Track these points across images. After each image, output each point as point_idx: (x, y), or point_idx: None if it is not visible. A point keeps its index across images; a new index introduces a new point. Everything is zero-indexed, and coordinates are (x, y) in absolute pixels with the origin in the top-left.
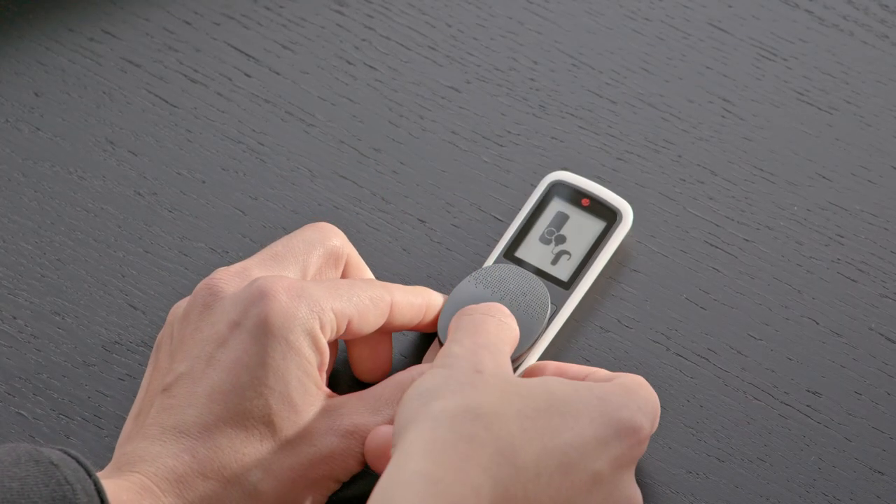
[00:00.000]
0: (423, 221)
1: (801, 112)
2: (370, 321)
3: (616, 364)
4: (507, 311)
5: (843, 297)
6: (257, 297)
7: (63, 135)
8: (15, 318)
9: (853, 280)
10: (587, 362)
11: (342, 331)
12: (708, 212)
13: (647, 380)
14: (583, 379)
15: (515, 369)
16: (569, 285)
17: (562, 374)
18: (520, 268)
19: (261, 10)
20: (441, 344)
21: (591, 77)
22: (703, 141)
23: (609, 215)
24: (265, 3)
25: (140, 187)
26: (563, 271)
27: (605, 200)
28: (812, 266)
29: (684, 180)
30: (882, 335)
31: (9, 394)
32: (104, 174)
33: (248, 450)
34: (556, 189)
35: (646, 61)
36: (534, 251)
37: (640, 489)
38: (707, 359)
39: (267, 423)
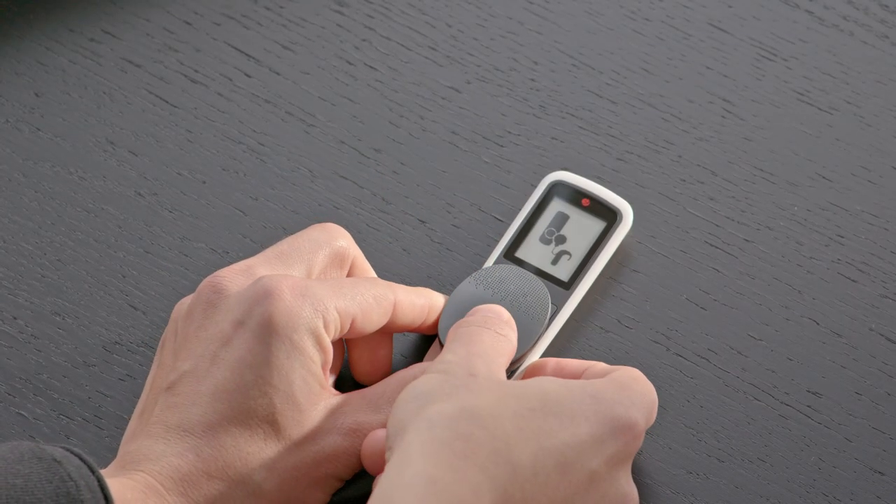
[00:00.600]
0: (423, 222)
1: (801, 112)
2: (373, 320)
3: (616, 364)
4: (507, 321)
5: (844, 298)
6: (261, 295)
7: (63, 135)
8: (15, 318)
9: (853, 280)
10: None
11: (346, 329)
12: (708, 212)
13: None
14: (581, 373)
15: (516, 370)
16: (569, 285)
17: (561, 370)
18: (520, 268)
19: (261, 11)
20: (441, 345)
21: (592, 77)
22: (704, 141)
23: (609, 215)
24: (265, 3)
25: (140, 187)
26: (563, 271)
27: (606, 200)
28: (812, 266)
29: (684, 180)
30: (882, 335)
31: (9, 394)
32: (104, 174)
33: (252, 449)
34: (557, 189)
35: (646, 61)
36: (534, 251)
37: (640, 489)
38: (707, 359)
39: (271, 423)
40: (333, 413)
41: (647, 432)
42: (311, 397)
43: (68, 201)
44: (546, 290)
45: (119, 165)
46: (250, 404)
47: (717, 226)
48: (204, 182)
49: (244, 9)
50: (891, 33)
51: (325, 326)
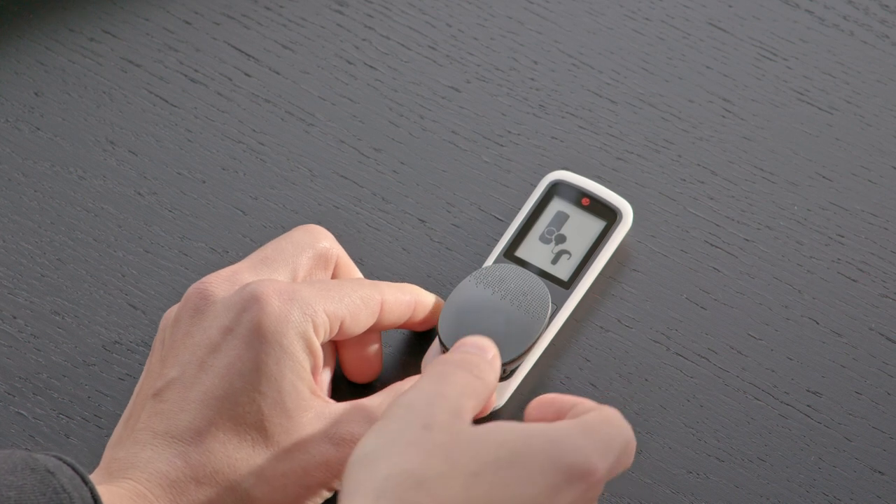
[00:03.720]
0: (423, 221)
1: (801, 112)
2: (362, 321)
3: (616, 364)
4: (489, 360)
5: (844, 297)
6: (249, 301)
7: (63, 135)
8: (15, 317)
9: (853, 280)
10: (587, 362)
11: (335, 332)
12: (708, 212)
13: (648, 380)
14: (568, 410)
15: (515, 370)
16: (569, 285)
17: (550, 405)
18: (520, 267)
19: (261, 10)
20: (441, 343)
21: (592, 77)
22: (704, 141)
23: (609, 215)
24: (265, 3)
25: (140, 187)
26: (563, 271)
27: (606, 200)
28: (812, 266)
29: (684, 180)
30: (882, 335)
31: (9, 394)
32: (104, 174)
33: (240, 455)
34: (557, 188)
35: (646, 61)
36: (534, 251)
37: (640, 489)
38: (707, 359)
39: (259, 429)
40: (324, 421)
41: (647, 432)
42: (301, 403)
43: (68, 201)
44: (546, 289)
45: (119, 165)
46: (239, 411)
47: (717, 225)
48: (204, 182)
49: (244, 8)
50: (891, 33)
51: (315, 330)
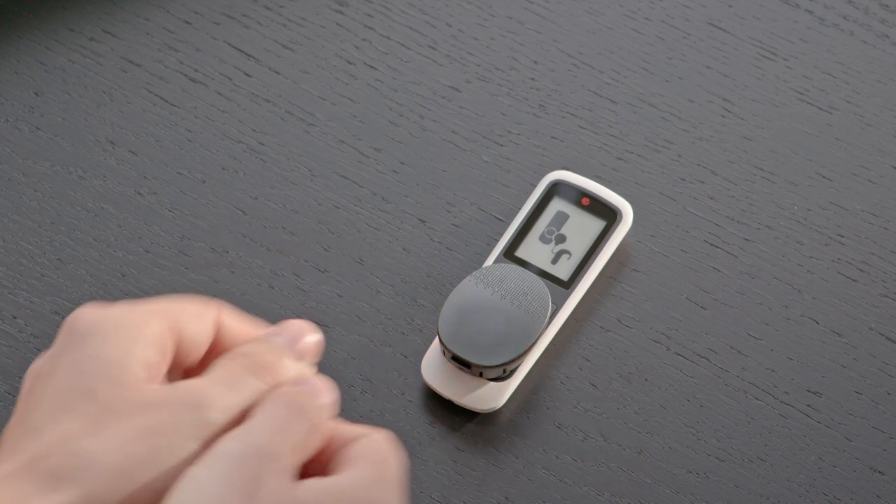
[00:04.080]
0: (423, 221)
1: (801, 112)
2: (194, 312)
3: (616, 364)
4: (325, 406)
5: (844, 297)
6: (65, 325)
7: (63, 134)
8: (15, 317)
9: (853, 280)
10: (587, 362)
11: (171, 333)
12: (708, 211)
13: (648, 380)
14: (334, 435)
15: (514, 370)
16: (569, 285)
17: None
18: (520, 267)
19: (261, 10)
20: (441, 343)
21: (592, 77)
22: (704, 141)
23: (609, 215)
24: (265, 2)
25: (140, 187)
26: (563, 271)
27: (606, 200)
28: (812, 266)
29: (684, 180)
30: (882, 335)
31: (9, 393)
32: (104, 174)
33: (83, 428)
34: (557, 188)
35: (646, 61)
36: (534, 250)
37: (640, 489)
38: (707, 359)
39: (98, 404)
40: (172, 387)
41: (647, 432)
42: (135, 380)
43: (68, 201)
44: (546, 288)
45: (119, 165)
46: (69, 399)
47: (717, 225)
48: (204, 181)
49: (244, 8)
50: (891, 33)
51: (136, 314)
